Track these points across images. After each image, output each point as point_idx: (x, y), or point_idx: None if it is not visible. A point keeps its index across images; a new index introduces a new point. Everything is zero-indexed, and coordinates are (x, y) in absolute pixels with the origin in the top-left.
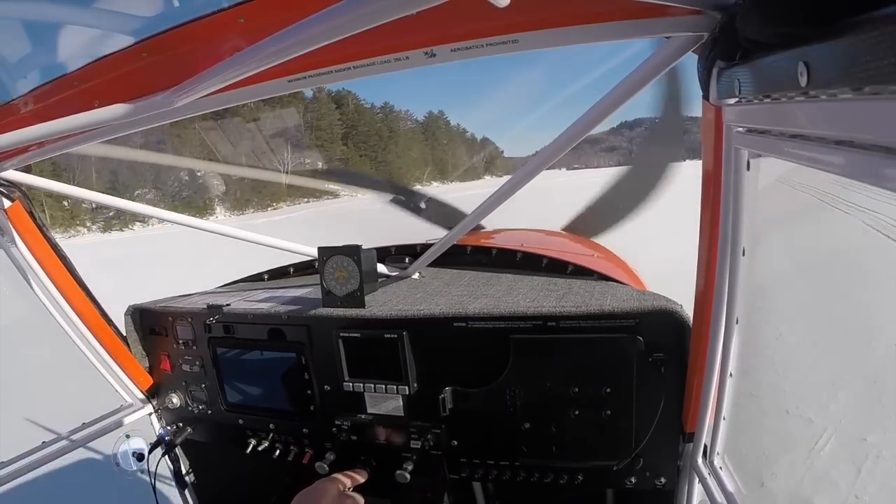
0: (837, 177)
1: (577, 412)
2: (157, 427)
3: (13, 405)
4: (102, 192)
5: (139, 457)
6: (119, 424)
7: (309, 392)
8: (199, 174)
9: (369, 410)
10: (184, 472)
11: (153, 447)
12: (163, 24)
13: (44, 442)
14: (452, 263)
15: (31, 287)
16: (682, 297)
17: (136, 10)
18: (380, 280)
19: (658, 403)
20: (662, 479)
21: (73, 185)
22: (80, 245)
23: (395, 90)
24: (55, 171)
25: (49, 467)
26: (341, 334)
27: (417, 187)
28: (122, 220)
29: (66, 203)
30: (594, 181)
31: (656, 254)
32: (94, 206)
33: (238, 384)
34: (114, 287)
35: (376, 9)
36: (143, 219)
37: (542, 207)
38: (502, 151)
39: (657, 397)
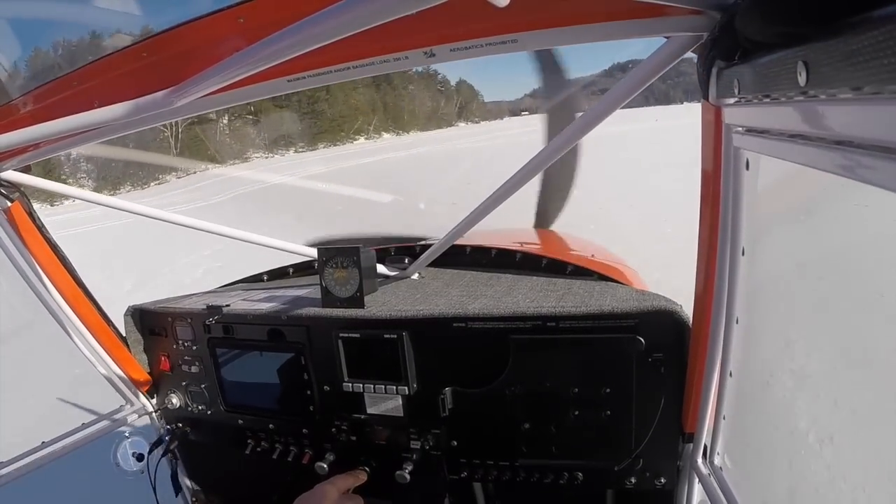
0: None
1: (576, 412)
2: (156, 427)
3: (12, 405)
4: (102, 193)
5: (139, 457)
6: (119, 425)
7: (308, 392)
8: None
9: (369, 411)
10: (183, 472)
11: (153, 447)
12: (162, 23)
13: (43, 442)
14: (452, 264)
15: (31, 287)
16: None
17: (136, 10)
18: (379, 280)
19: (658, 403)
20: (662, 480)
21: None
22: None
23: None
24: None
25: (49, 467)
26: (341, 335)
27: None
28: None
29: None
30: None
31: None
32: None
33: (238, 384)
34: None
35: (376, 9)
36: None
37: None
38: (480, 95)
39: (657, 397)
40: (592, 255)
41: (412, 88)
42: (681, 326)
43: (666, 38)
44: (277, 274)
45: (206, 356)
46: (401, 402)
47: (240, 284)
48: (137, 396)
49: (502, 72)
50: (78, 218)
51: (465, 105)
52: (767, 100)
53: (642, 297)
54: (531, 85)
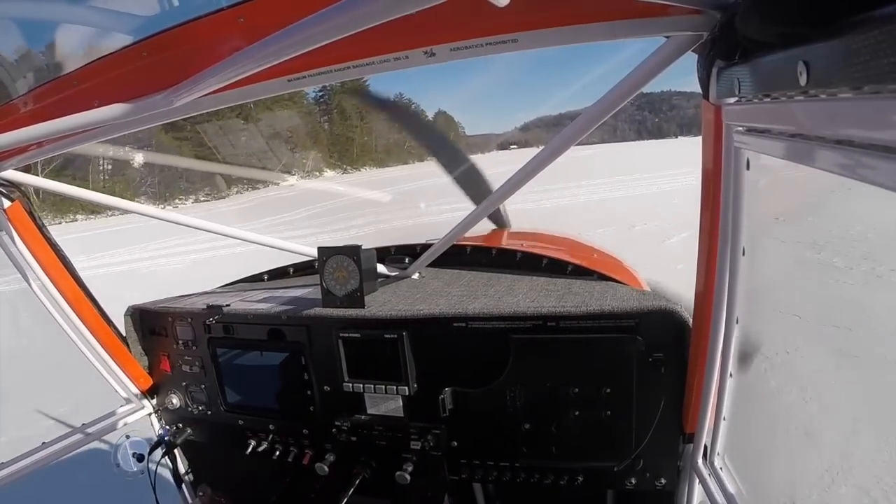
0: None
1: (577, 412)
2: (156, 427)
3: (13, 405)
4: (102, 193)
5: (139, 457)
6: (119, 425)
7: (309, 392)
8: None
9: (369, 411)
10: (183, 472)
11: (153, 448)
12: (162, 23)
13: (44, 442)
14: (452, 264)
15: (31, 287)
16: None
17: (136, 10)
18: (379, 280)
19: (658, 404)
20: (663, 480)
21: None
22: None
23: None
24: None
25: (49, 467)
26: (341, 335)
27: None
28: None
29: None
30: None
31: None
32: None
33: (238, 385)
34: None
35: (376, 9)
36: None
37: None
38: (461, 127)
39: (657, 398)
40: (593, 255)
41: (376, 119)
42: (681, 326)
43: (666, 37)
44: (277, 274)
45: (207, 356)
46: (401, 402)
47: (240, 284)
48: (137, 396)
49: (490, 106)
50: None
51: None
52: (768, 99)
53: (642, 297)
54: (522, 119)
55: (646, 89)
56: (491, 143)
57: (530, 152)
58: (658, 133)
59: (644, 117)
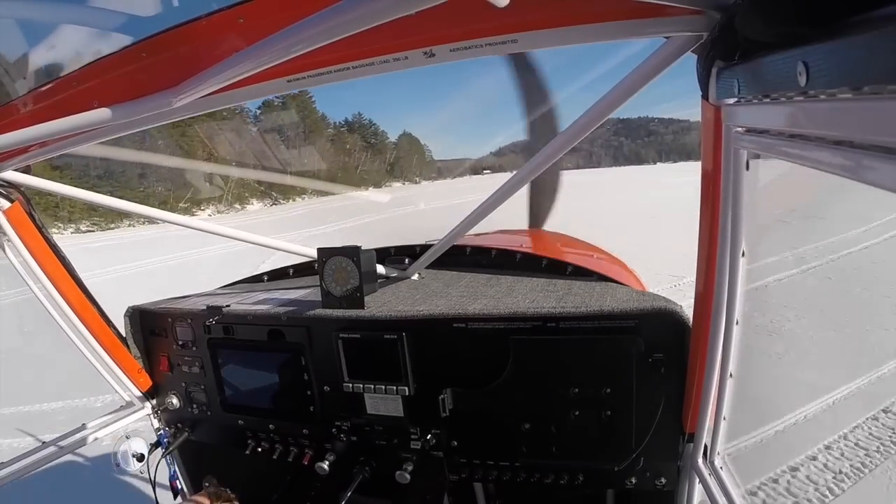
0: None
1: (577, 413)
2: (156, 428)
3: (13, 405)
4: (101, 193)
5: (139, 457)
6: (119, 425)
7: (309, 393)
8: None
9: (369, 411)
10: (183, 472)
11: (153, 448)
12: (162, 24)
13: (44, 442)
14: (452, 264)
15: (31, 288)
16: None
17: (136, 11)
18: (379, 281)
19: (658, 404)
20: (663, 480)
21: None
22: None
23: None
24: None
25: (49, 467)
26: (341, 335)
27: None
28: None
29: None
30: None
31: None
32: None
33: (237, 385)
34: None
35: (376, 9)
36: None
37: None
38: (429, 152)
39: (657, 398)
40: (593, 256)
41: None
42: (681, 327)
43: (666, 38)
44: (278, 274)
45: (206, 357)
46: (401, 402)
47: (240, 285)
48: (137, 397)
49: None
50: None
51: (399, 161)
52: (767, 100)
53: (642, 298)
54: (498, 143)
55: (623, 115)
56: (465, 167)
57: (505, 177)
58: (636, 159)
59: (622, 143)
